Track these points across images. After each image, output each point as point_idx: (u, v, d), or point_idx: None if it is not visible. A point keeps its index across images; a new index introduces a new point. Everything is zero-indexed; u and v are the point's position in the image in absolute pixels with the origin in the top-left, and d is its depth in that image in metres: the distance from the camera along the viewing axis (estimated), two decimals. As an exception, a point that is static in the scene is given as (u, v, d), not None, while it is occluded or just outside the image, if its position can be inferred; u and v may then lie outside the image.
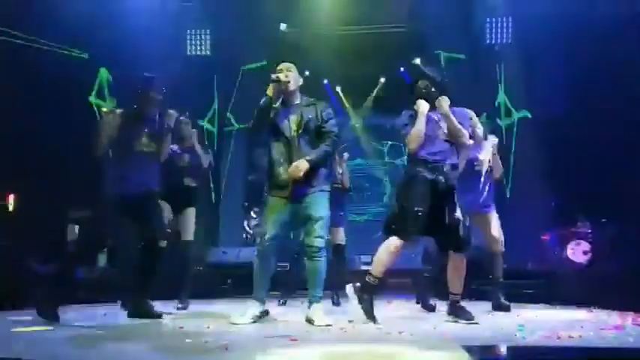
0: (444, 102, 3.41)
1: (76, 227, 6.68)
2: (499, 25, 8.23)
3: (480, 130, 4.22)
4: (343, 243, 5.04)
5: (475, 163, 4.15)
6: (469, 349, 2.25)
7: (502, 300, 4.10)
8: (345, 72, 8.43)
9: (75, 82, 7.35)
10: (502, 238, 4.25)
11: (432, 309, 4.16)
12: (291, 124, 3.31)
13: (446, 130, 3.41)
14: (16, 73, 6.73)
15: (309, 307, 3.29)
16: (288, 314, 3.85)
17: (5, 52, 6.70)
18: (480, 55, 8.35)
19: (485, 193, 4.22)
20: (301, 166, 3.18)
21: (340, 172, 5.08)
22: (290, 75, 3.37)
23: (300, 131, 3.28)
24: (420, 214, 3.24)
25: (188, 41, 8.48)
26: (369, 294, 3.31)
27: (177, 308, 4.21)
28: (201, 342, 2.52)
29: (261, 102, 3.31)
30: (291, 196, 3.26)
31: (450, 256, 3.42)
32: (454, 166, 3.42)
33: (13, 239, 6.25)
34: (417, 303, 4.45)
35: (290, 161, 3.25)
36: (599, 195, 6.77)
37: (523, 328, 2.95)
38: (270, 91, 3.31)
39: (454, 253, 3.39)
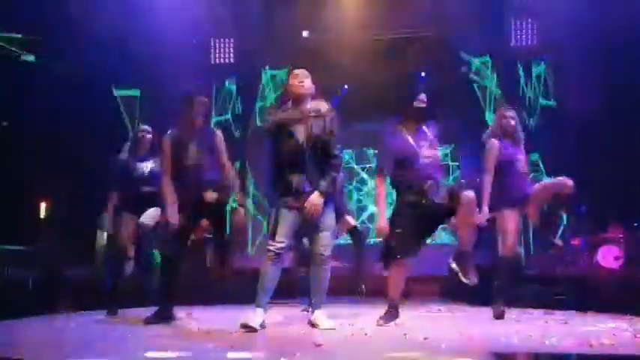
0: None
1: (104, 234, 6.82)
2: (524, 26, 8.13)
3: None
4: (356, 224, 4.93)
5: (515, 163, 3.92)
6: (496, 356, 2.21)
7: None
8: (367, 77, 8.41)
9: (102, 91, 7.54)
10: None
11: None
12: (300, 132, 3.27)
13: (428, 149, 3.46)
14: (47, 83, 6.95)
15: (312, 313, 3.37)
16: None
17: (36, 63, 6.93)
18: (505, 56, 8.24)
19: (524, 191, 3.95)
20: (317, 201, 3.21)
21: None
22: (307, 81, 3.37)
23: (309, 143, 3.25)
24: (411, 240, 3.36)
25: (212, 49, 8.64)
26: (393, 317, 3.45)
27: None
28: (226, 346, 2.54)
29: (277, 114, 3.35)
30: (303, 207, 3.25)
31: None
32: (437, 183, 3.43)
33: (45, 244, 6.44)
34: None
35: (301, 171, 3.25)
36: (631, 198, 6.58)
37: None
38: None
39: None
